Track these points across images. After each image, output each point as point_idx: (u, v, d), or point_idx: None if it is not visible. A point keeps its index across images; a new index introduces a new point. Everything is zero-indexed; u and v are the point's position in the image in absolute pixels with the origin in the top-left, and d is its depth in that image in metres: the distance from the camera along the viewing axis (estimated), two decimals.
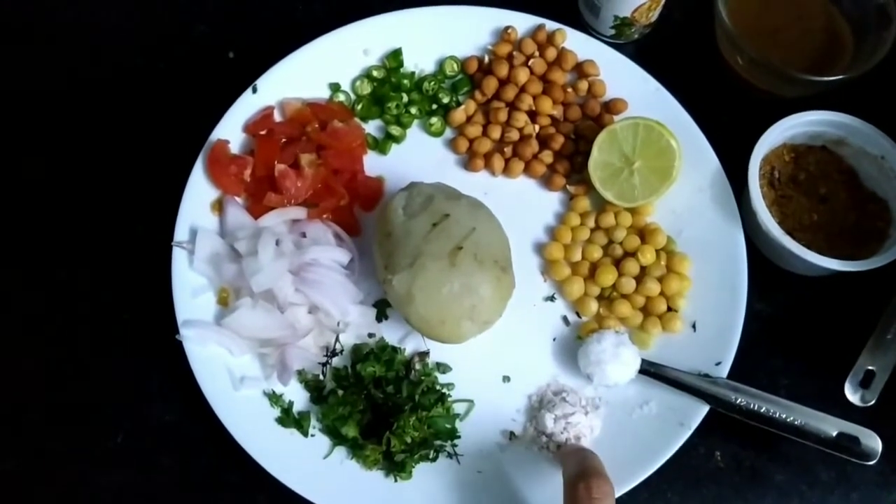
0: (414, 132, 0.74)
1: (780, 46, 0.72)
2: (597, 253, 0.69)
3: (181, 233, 0.67)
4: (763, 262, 0.70)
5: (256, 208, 0.68)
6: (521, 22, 0.75)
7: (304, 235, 0.68)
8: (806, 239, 0.68)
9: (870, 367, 0.67)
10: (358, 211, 0.71)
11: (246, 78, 0.72)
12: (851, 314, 0.69)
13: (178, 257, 0.66)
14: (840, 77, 0.69)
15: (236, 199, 0.69)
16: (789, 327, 0.70)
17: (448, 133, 0.74)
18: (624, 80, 0.74)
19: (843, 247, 0.68)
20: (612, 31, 0.76)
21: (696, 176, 0.70)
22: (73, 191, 0.73)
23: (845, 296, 0.69)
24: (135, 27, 0.79)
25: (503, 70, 0.73)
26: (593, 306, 0.68)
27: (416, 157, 0.73)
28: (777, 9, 0.74)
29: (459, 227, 0.62)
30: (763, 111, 0.72)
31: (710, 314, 0.67)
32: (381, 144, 0.73)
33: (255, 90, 0.71)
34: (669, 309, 0.67)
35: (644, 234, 0.69)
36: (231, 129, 0.70)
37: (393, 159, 0.73)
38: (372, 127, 0.74)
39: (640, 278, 0.68)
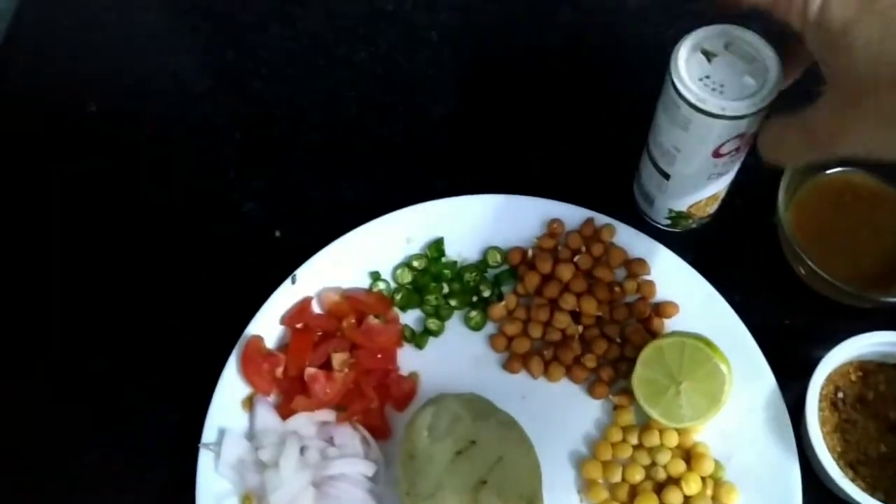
0: (453, 323, 0.72)
1: (847, 258, 0.67)
2: (638, 475, 0.65)
3: (210, 433, 0.66)
4: (822, 489, 0.64)
5: (286, 408, 0.67)
6: (569, 213, 0.72)
7: (331, 439, 0.66)
8: (870, 477, 0.62)
9: None
10: (389, 410, 0.69)
11: (290, 258, 0.72)
12: None
13: (205, 460, 0.65)
14: None
15: (267, 398, 0.68)
16: None
17: (489, 327, 0.71)
18: (676, 281, 0.70)
19: None
20: (668, 222, 0.73)
21: (749, 394, 0.65)
22: (104, 375, 0.73)
23: None
24: (184, 204, 0.80)
25: (546, 266, 0.70)
26: None
27: (453, 353, 0.71)
28: (846, 217, 0.69)
29: (485, 456, 0.59)
30: (831, 317, 0.67)
31: None
32: (418, 339, 0.71)
33: (293, 281, 0.71)
34: None
35: (690, 457, 0.65)
36: (268, 321, 0.70)
37: (429, 353, 0.71)
38: (411, 318, 0.72)
39: None
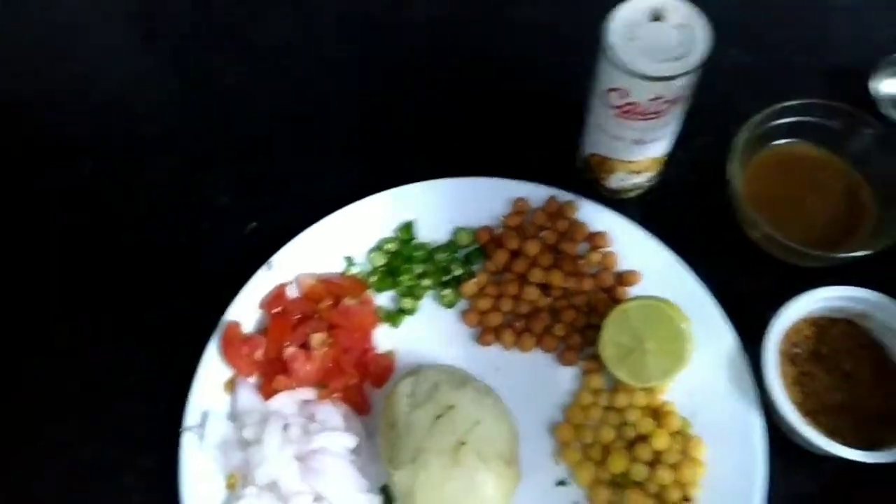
0: (427, 303, 0.74)
1: (797, 221, 0.71)
2: (609, 435, 0.67)
3: (193, 416, 0.67)
4: (785, 441, 0.68)
5: (268, 388, 0.69)
6: (533, 192, 0.75)
7: (312, 416, 0.68)
8: (829, 423, 0.65)
9: None
10: (368, 387, 0.71)
11: (267, 247, 0.74)
12: (881, 499, 0.66)
13: (188, 442, 0.66)
14: (861, 254, 0.67)
15: (248, 379, 0.70)
16: None
17: (461, 304, 0.74)
18: (637, 251, 0.73)
19: (870, 430, 0.65)
20: (581, 165, 0.76)
21: (711, 354, 0.68)
22: (93, 366, 0.75)
23: (873, 476, 0.65)
24: (161, 200, 0.82)
25: (514, 242, 0.73)
26: (604, 494, 0.65)
27: (428, 330, 0.73)
28: (794, 183, 0.73)
29: (463, 419, 0.61)
30: (785, 279, 0.70)
31: (727, 502, 0.64)
32: (394, 318, 0.73)
33: (269, 266, 0.73)
34: (685, 499, 0.65)
35: (658, 415, 0.67)
36: (246, 307, 0.72)
37: (405, 332, 0.73)
38: (385, 298, 0.74)
39: (653, 464, 0.66)
